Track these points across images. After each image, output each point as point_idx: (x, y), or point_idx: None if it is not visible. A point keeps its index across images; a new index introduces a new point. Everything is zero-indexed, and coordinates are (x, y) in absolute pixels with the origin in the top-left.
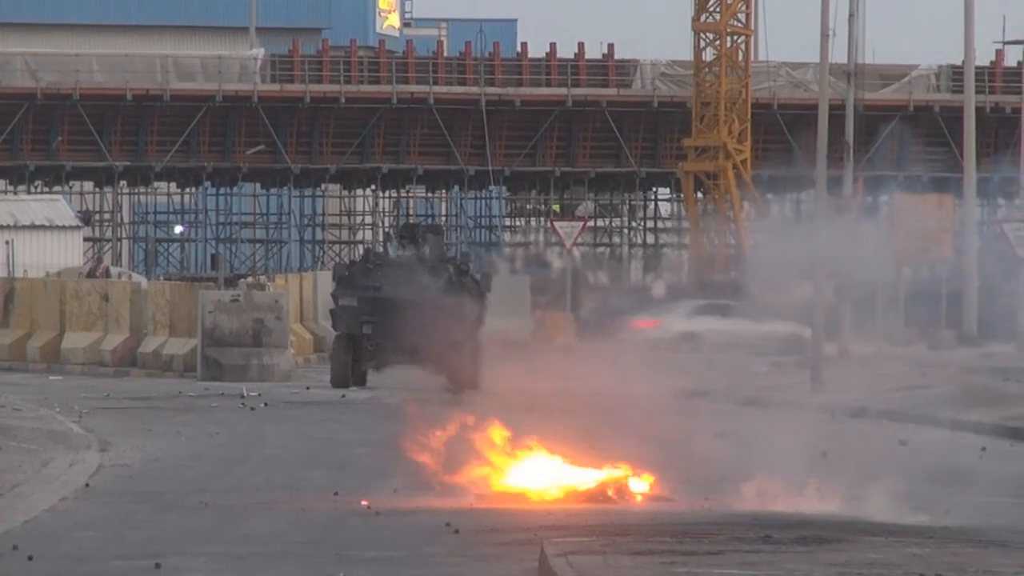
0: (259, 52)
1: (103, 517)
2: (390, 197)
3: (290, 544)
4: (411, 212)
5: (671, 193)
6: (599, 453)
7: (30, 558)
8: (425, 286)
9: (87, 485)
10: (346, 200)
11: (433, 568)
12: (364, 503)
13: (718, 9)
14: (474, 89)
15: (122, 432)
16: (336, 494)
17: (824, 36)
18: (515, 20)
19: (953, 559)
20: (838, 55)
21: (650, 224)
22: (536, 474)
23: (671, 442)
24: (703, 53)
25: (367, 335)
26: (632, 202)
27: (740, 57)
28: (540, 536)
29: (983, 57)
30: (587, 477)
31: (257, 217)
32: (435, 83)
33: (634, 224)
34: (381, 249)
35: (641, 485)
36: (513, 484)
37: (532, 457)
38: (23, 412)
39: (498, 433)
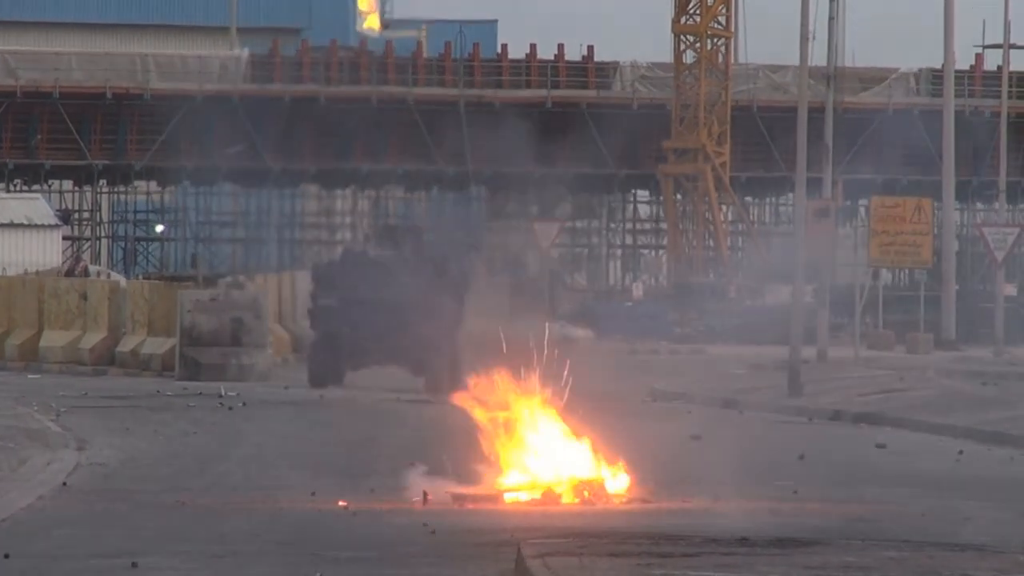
0: (243, 53)
1: (80, 516)
2: (369, 197)
3: (267, 544)
4: (390, 213)
5: (650, 195)
6: (576, 453)
7: (7, 556)
8: (404, 286)
9: (64, 484)
10: (325, 200)
11: (409, 568)
12: (341, 503)
13: (698, 11)
14: (453, 90)
15: (100, 431)
16: (313, 494)
17: (804, 39)
18: (495, 21)
19: (929, 563)
20: (818, 58)
21: (629, 226)
22: (513, 474)
23: (647, 444)
24: (683, 55)
25: (345, 335)
26: (611, 204)
27: (720, 59)
28: (516, 537)
29: (963, 60)
30: (564, 478)
31: (236, 216)
32: (415, 84)
33: (612, 226)
34: (360, 249)
35: (617, 486)
36: (490, 484)
37: (509, 457)
38: (0, 411)
39: (475, 433)
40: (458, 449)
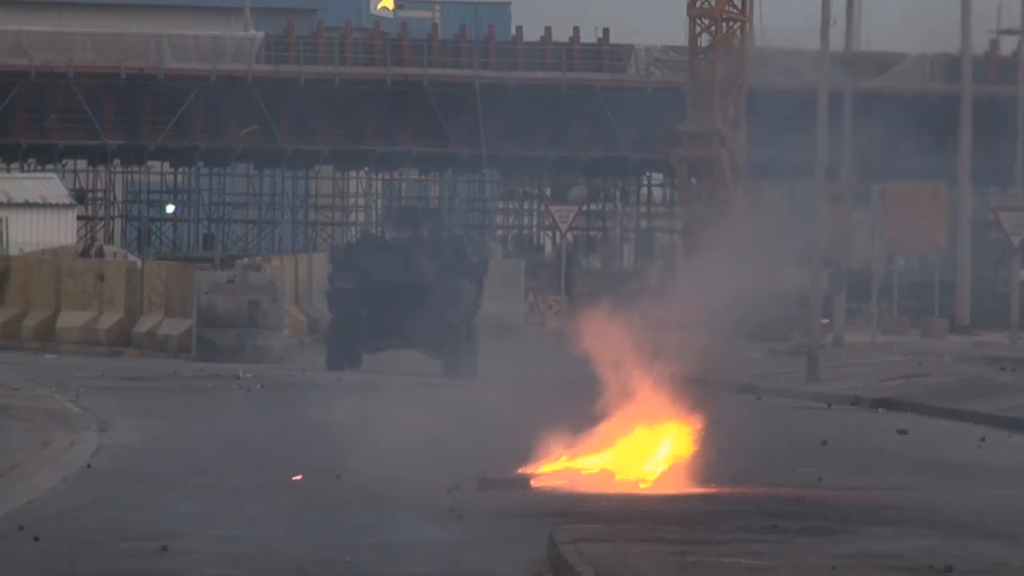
0: (258, 34)
1: (106, 498)
2: (383, 179)
3: (294, 528)
4: (403, 195)
5: (665, 178)
6: (599, 437)
7: (36, 539)
8: (422, 269)
9: (88, 465)
10: (339, 182)
11: (440, 555)
12: (368, 487)
13: None
14: (468, 72)
15: (120, 412)
16: (339, 477)
17: (825, 24)
18: (509, 3)
19: (960, 551)
20: (834, 42)
21: (643, 209)
22: (540, 458)
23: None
24: (698, 39)
25: (363, 318)
26: (625, 187)
27: (736, 43)
28: (545, 523)
29: (978, 46)
30: (591, 462)
31: (249, 197)
32: (429, 65)
33: (627, 209)
34: (378, 232)
35: (645, 471)
36: (517, 468)
37: (536, 440)
38: (20, 391)
39: (501, 415)
40: (480, 431)
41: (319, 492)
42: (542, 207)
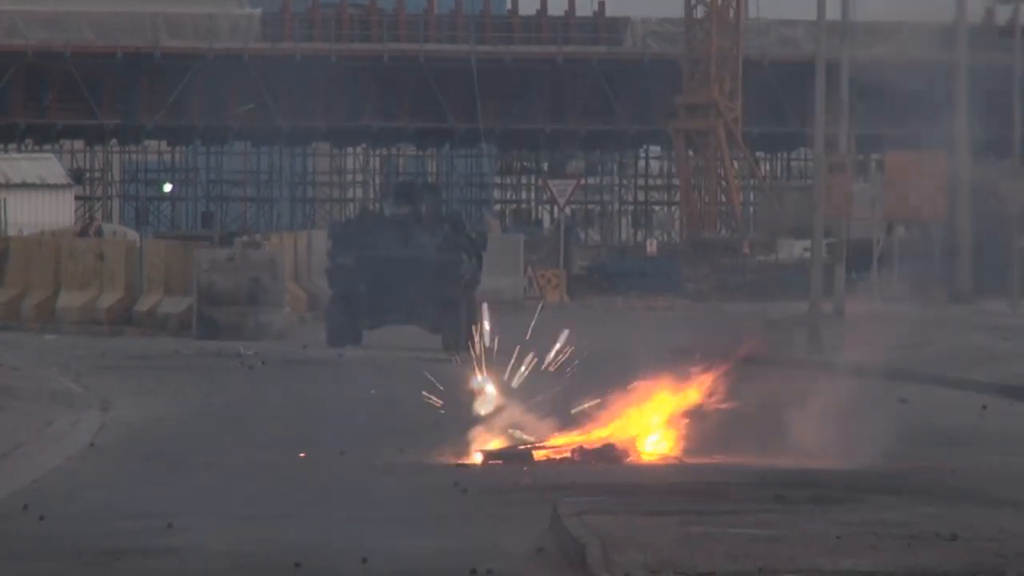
0: (255, 12)
1: (110, 477)
2: (380, 155)
3: (300, 504)
4: (401, 170)
5: (662, 151)
6: (604, 411)
7: (41, 518)
8: (421, 244)
9: (92, 444)
10: (336, 158)
11: (444, 528)
12: (372, 463)
13: None
14: (465, 47)
15: (122, 391)
16: (342, 453)
17: None
18: None
19: (966, 519)
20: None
21: (640, 182)
22: (541, 432)
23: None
24: (694, 10)
25: (363, 294)
26: (622, 160)
27: (731, 14)
28: (549, 496)
29: (973, 15)
30: (593, 436)
31: (247, 175)
32: (426, 41)
33: (624, 182)
34: (377, 207)
35: (647, 443)
36: (518, 442)
37: (536, 415)
38: (21, 371)
39: (502, 389)
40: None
41: (323, 468)
42: (540, 181)
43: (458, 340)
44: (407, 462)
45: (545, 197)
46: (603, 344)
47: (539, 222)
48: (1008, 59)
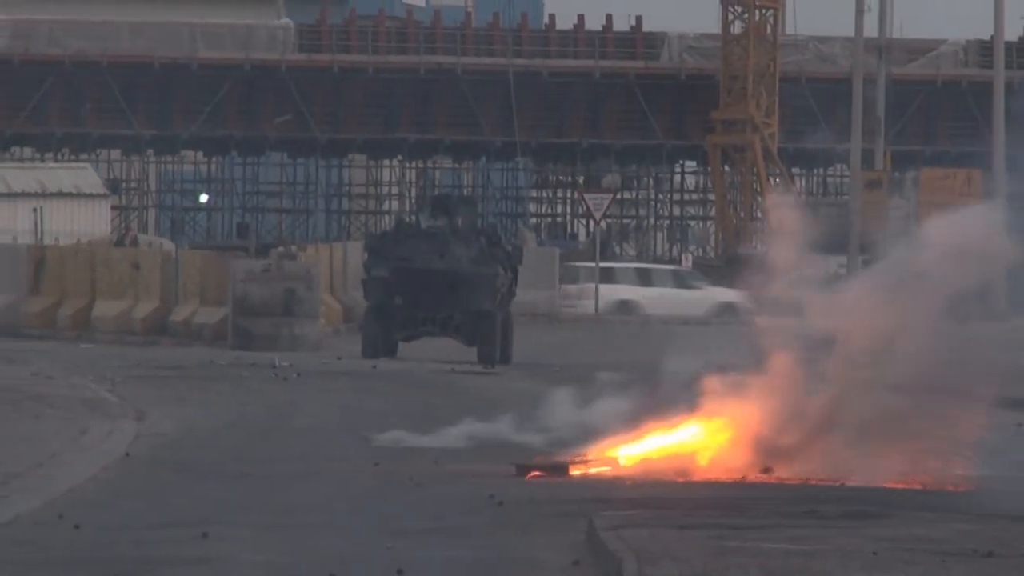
0: (290, 22)
1: (145, 486)
2: (416, 168)
3: (334, 515)
4: (437, 183)
5: (698, 166)
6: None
7: (76, 527)
8: (457, 257)
9: (127, 454)
10: (372, 170)
11: (479, 539)
12: (407, 474)
13: None
14: (501, 60)
15: (156, 401)
16: (377, 464)
17: (859, 12)
18: None
19: (1002, 535)
20: (867, 29)
21: (676, 197)
22: (575, 445)
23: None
24: (731, 26)
25: (398, 306)
26: (658, 175)
27: (768, 30)
28: (584, 509)
29: (1011, 32)
30: (631, 450)
31: (283, 186)
32: (463, 54)
33: (660, 197)
34: (413, 220)
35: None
36: (551, 455)
37: (568, 427)
38: (56, 380)
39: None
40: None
41: (357, 479)
42: (576, 195)
43: (493, 353)
44: (442, 473)
45: (581, 211)
46: (642, 358)
47: (575, 236)
48: None
